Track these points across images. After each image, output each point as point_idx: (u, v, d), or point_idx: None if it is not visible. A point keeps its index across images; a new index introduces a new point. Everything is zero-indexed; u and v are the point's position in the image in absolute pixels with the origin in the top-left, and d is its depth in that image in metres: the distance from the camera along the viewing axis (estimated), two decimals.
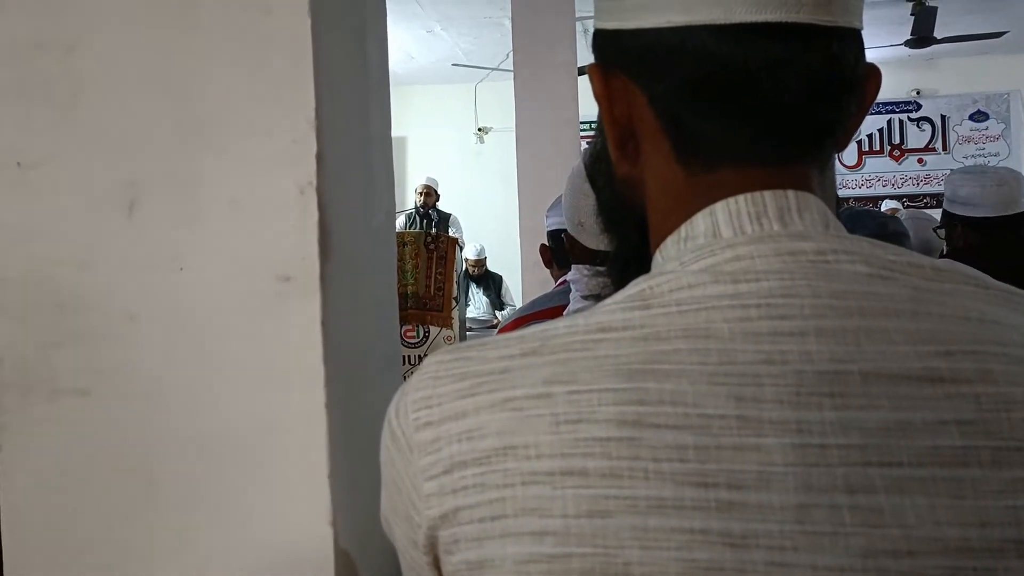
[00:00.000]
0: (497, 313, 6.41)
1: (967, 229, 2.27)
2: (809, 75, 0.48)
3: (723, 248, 0.48)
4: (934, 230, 2.74)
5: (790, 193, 0.49)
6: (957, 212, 2.30)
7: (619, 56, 0.52)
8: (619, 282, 0.54)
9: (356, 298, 0.85)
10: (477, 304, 6.55)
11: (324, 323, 0.75)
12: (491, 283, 6.63)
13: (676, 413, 0.43)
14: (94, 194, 0.77)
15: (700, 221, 0.50)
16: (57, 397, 0.77)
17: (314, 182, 0.74)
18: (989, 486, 0.42)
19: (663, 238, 0.52)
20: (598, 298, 1.14)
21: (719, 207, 0.49)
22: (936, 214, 3.68)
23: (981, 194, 2.24)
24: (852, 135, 0.52)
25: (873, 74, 0.52)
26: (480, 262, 6.61)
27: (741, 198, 0.49)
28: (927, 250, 2.82)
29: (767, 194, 0.49)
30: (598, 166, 0.60)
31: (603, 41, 0.54)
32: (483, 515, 0.45)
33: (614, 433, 0.44)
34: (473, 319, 6.20)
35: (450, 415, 0.48)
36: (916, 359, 0.44)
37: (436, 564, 0.49)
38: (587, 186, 1.39)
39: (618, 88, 0.53)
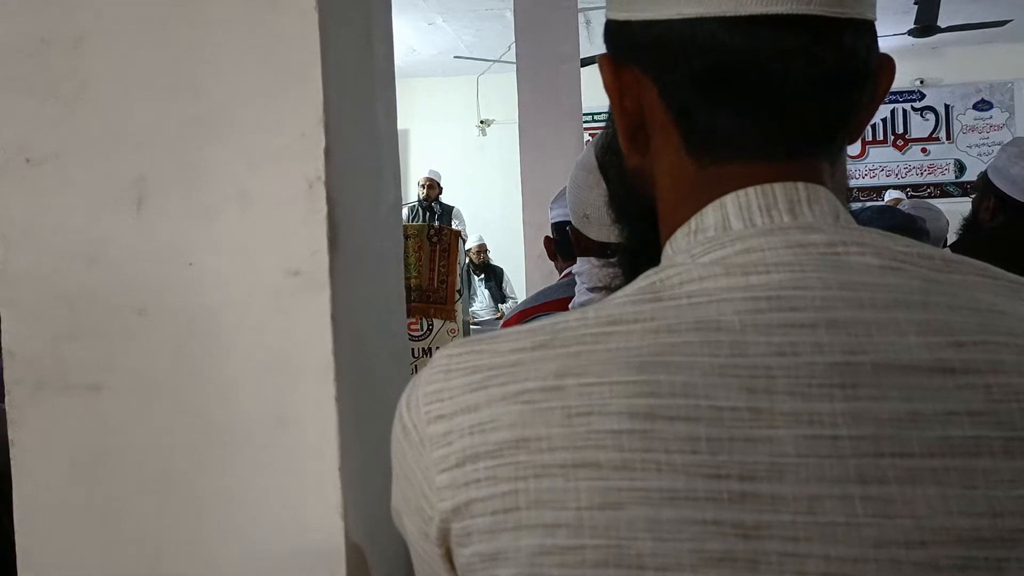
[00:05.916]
0: (500, 306, 6.41)
1: (999, 206, 2.08)
2: (820, 68, 0.48)
3: (733, 240, 0.48)
4: (970, 193, 2.55)
5: (800, 185, 0.49)
6: (997, 184, 2.09)
7: (630, 47, 0.52)
8: (629, 273, 0.54)
9: (365, 292, 0.85)
10: (480, 298, 6.55)
11: (334, 317, 0.75)
12: (492, 275, 6.63)
13: (688, 405, 0.44)
14: (103, 189, 0.77)
15: (710, 213, 0.50)
16: (68, 392, 0.77)
17: (323, 176, 0.75)
18: (1000, 476, 0.42)
19: (673, 230, 0.52)
20: (605, 290, 1.15)
21: (729, 199, 0.49)
22: (940, 204, 3.67)
23: None
24: (864, 126, 0.52)
25: (886, 65, 0.52)
26: (482, 247, 6.60)
27: (751, 190, 0.49)
28: (934, 241, 2.77)
29: (777, 186, 0.49)
30: (609, 157, 0.60)
31: (614, 32, 0.54)
32: (496, 508, 0.45)
33: (626, 425, 0.44)
34: (476, 313, 6.19)
35: (462, 408, 0.48)
36: (927, 350, 0.44)
37: (448, 556, 0.49)
38: (592, 178, 1.39)
39: (629, 79, 0.53)
